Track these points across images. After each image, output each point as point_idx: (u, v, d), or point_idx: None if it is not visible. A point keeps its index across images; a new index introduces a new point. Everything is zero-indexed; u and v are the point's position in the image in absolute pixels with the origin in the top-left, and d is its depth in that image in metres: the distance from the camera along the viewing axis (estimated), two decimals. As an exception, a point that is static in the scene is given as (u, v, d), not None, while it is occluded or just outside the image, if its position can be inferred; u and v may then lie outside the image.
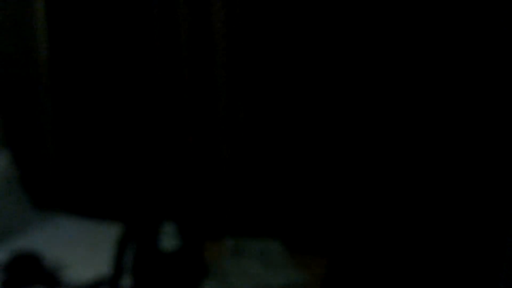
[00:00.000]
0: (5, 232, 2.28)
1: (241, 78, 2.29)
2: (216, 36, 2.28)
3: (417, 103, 2.09)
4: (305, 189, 2.32)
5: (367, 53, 2.11)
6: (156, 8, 2.34)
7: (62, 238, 2.30)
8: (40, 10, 2.58)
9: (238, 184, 2.41)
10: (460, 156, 2.06)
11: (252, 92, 2.29)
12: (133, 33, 2.48)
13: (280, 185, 2.35)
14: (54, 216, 2.54)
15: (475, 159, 2.04)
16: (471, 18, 1.94)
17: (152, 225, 1.70)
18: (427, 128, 2.09)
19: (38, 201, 2.63)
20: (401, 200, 2.17)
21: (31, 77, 2.71)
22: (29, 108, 2.73)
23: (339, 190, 2.26)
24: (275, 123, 2.30)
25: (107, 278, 1.79)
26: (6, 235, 2.28)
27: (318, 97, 2.22)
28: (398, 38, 2.06)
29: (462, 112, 2.03)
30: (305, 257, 2.13)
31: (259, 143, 2.34)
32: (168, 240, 1.71)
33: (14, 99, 2.64)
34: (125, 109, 2.59)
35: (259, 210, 2.39)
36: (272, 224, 2.38)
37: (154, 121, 2.52)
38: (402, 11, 2.04)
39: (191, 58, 2.35)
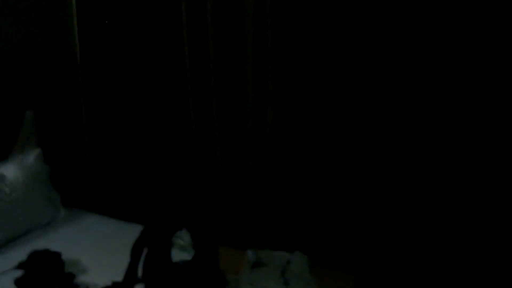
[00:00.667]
0: (32, 227, 2.31)
1: (269, 94, 2.19)
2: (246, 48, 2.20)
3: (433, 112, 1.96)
4: (334, 201, 2.20)
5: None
6: (186, 19, 2.28)
7: (87, 237, 2.30)
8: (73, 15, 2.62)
9: (263, 195, 2.31)
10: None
11: (280, 107, 2.19)
12: (163, 43, 2.46)
13: (307, 197, 2.24)
14: (82, 215, 2.54)
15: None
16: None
17: (165, 233, 1.63)
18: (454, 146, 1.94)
19: (68, 200, 2.64)
20: (430, 218, 2.02)
21: (64, 78, 2.74)
22: (62, 108, 2.76)
23: (369, 205, 2.12)
24: (303, 136, 2.21)
25: (120, 285, 1.74)
26: (32, 230, 2.31)
27: (345, 115, 2.13)
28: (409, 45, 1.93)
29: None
30: (331, 271, 2.00)
31: (286, 155, 2.24)
32: (182, 249, 1.64)
33: (47, 99, 2.68)
34: (152, 116, 2.59)
35: (284, 221, 2.29)
36: (297, 236, 2.27)
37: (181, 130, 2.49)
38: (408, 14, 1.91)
39: (219, 69, 2.28)
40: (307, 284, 1.83)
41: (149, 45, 2.55)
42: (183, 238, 1.63)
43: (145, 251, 1.67)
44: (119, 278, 1.82)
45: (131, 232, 2.24)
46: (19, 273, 1.86)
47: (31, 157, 2.43)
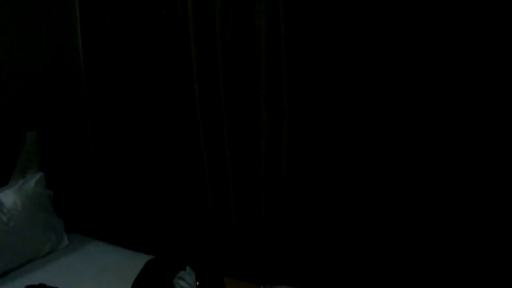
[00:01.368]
0: (32, 257, 2.16)
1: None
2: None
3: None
4: (355, 235, 2.00)
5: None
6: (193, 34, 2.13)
7: (89, 268, 2.12)
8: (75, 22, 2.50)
9: (278, 227, 2.12)
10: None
11: (295, 129, 2.00)
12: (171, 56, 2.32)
13: (327, 230, 2.04)
14: (87, 243, 2.38)
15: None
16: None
17: (165, 274, 1.45)
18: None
19: (72, 226, 2.49)
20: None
21: (68, 96, 2.62)
22: (66, 128, 2.63)
23: (395, 242, 1.91)
24: (321, 161, 2.02)
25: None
26: (32, 260, 2.16)
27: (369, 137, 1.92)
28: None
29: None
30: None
31: (303, 184, 2.05)
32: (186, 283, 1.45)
33: (51, 119, 2.55)
34: (160, 140, 2.45)
35: (301, 256, 2.08)
36: (315, 273, 2.06)
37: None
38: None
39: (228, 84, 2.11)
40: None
41: (157, 63, 2.40)
42: (185, 279, 1.44)
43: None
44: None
45: (136, 263, 2.09)
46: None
47: (32, 182, 2.29)
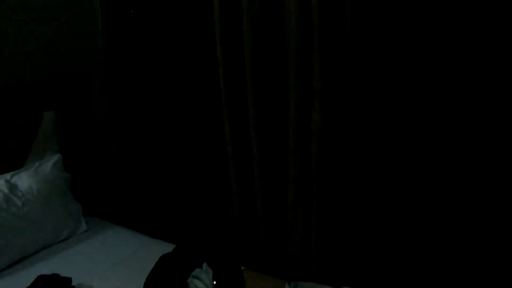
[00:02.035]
0: (47, 244, 2.08)
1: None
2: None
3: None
4: (390, 231, 1.80)
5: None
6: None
7: (106, 257, 2.02)
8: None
9: (306, 222, 1.95)
10: None
11: (326, 112, 1.79)
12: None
13: (358, 226, 1.85)
14: (105, 228, 2.28)
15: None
16: None
17: (183, 267, 1.31)
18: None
19: (91, 210, 2.40)
20: None
21: (89, 74, 2.50)
22: (85, 109, 2.52)
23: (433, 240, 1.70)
24: (352, 153, 1.81)
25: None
26: (48, 247, 2.07)
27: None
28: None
29: None
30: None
31: (336, 175, 1.86)
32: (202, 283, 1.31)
33: (69, 99, 2.44)
34: (182, 122, 2.31)
35: (331, 253, 1.91)
36: (345, 270, 1.88)
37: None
38: None
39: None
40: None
41: (178, 40, 2.25)
42: (201, 278, 1.29)
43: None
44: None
45: (156, 252, 1.97)
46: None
47: (49, 164, 2.19)
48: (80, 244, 2.13)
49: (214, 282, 1.28)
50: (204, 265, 1.37)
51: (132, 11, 2.30)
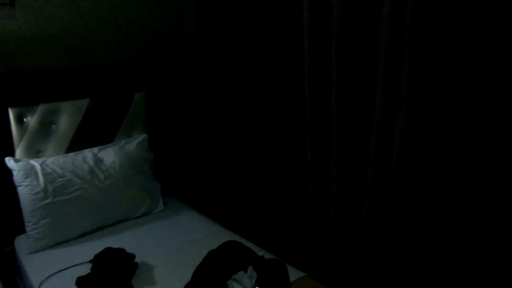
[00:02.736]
0: (125, 218, 2.18)
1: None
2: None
3: None
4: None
5: None
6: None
7: (175, 239, 2.05)
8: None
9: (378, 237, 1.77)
10: None
11: (410, 127, 1.59)
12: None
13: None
14: (180, 211, 2.34)
15: None
16: None
17: (227, 267, 1.25)
18: None
19: (168, 190, 2.47)
20: None
21: (177, 64, 2.55)
22: (176, 92, 2.59)
23: None
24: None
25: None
26: (125, 221, 2.18)
27: None
28: None
29: None
30: None
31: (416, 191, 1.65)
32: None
33: (159, 86, 2.52)
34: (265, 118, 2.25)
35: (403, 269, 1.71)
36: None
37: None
38: None
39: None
40: None
41: (265, 34, 2.18)
42: (243, 281, 1.22)
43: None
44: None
45: (221, 241, 1.95)
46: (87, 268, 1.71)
47: (134, 143, 2.29)
48: (153, 223, 2.20)
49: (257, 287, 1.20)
50: (250, 269, 1.30)
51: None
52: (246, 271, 1.30)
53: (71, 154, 2.12)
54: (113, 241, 1.98)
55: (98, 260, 1.74)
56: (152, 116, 2.46)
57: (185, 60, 2.53)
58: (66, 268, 1.78)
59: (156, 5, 2.44)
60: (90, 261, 1.78)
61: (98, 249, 1.84)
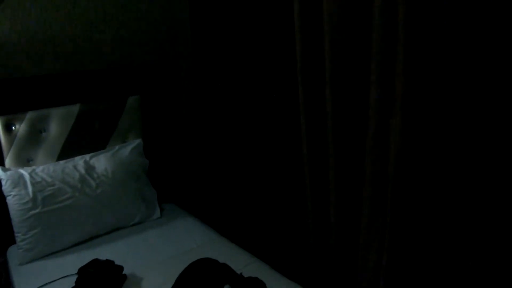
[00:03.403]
0: (119, 226, 2.12)
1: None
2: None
3: None
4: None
5: None
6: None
7: (168, 248, 1.98)
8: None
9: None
10: None
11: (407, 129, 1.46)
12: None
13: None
14: (177, 217, 2.26)
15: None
16: None
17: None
18: None
19: (166, 196, 2.40)
20: None
21: (174, 69, 2.48)
22: (172, 96, 2.51)
23: None
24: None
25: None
26: (119, 230, 2.12)
27: None
28: None
29: None
30: None
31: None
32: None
33: (155, 90, 2.44)
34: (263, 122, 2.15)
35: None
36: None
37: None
38: None
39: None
40: None
41: (259, 35, 2.09)
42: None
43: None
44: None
45: (217, 250, 1.90)
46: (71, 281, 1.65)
47: (128, 148, 2.22)
48: (148, 231, 2.13)
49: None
50: (226, 287, 1.21)
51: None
52: (221, 290, 1.21)
53: (62, 162, 2.07)
54: (105, 251, 1.92)
55: (83, 273, 1.67)
56: (148, 121, 2.38)
57: (181, 64, 2.45)
58: (53, 281, 1.73)
59: (150, 9, 2.37)
60: (77, 272, 1.72)
61: (85, 261, 1.77)
